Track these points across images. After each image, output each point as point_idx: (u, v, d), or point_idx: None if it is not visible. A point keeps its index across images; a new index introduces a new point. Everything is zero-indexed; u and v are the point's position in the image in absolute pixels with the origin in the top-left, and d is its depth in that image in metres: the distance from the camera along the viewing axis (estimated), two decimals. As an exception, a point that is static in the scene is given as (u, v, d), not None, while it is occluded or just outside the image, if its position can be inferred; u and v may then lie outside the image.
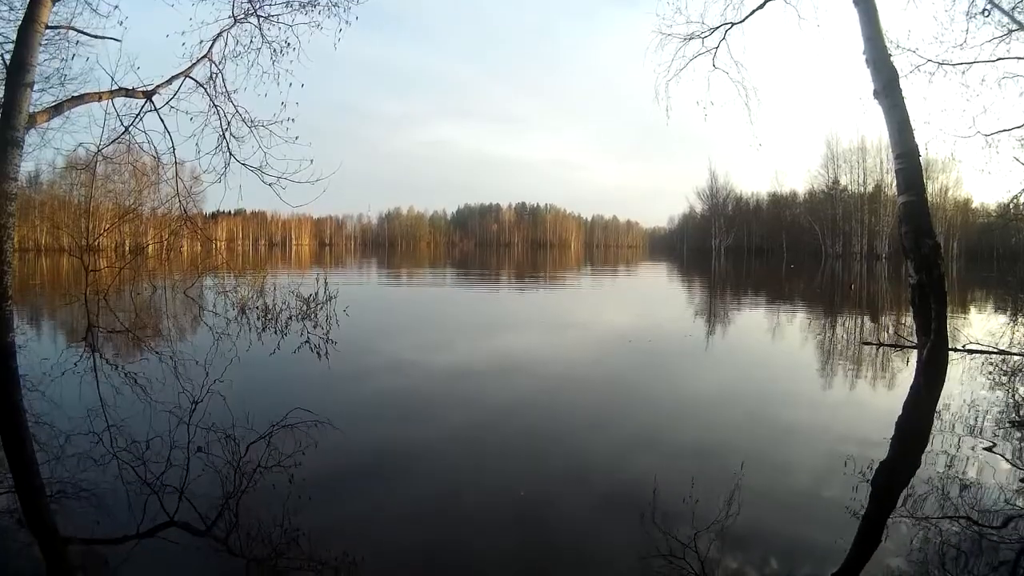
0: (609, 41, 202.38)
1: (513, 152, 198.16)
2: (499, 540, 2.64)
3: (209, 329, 8.37)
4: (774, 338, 9.23)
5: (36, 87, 6.87)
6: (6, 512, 2.81)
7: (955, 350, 6.67)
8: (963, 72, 8.43)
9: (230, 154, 8.54)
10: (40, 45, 6.69)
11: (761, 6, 8.62)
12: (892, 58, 6.80)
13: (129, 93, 8.10)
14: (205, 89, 8.57)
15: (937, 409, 4.79)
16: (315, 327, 8.46)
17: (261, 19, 8.52)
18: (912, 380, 5.87)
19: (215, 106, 8.54)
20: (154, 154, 8.74)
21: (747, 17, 8.83)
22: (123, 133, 8.36)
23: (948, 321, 6.30)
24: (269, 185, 8.35)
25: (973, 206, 58.29)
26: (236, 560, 2.42)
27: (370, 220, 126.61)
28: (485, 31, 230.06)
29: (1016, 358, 6.68)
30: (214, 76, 8.57)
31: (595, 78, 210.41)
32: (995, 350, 6.85)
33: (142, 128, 8.40)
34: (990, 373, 6.08)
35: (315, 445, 3.69)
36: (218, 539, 2.55)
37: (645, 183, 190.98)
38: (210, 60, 8.56)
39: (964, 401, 4.95)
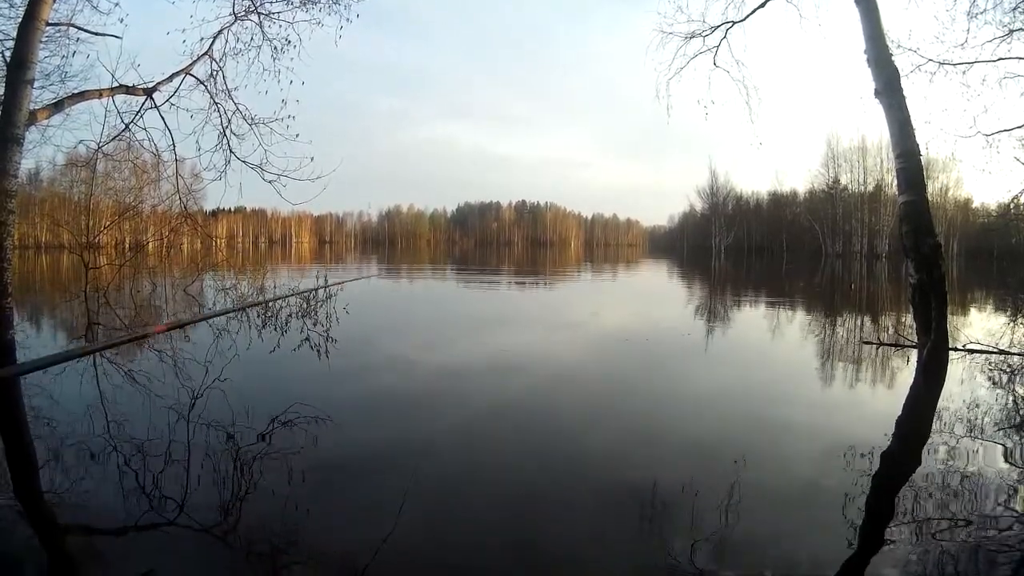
0: (610, 38, 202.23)
1: (513, 149, 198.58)
2: (498, 536, 2.64)
3: (209, 326, 8.37)
4: (774, 337, 9.23)
5: (36, 84, 6.87)
6: (6, 507, 2.81)
7: (955, 349, 6.67)
8: (964, 72, 8.44)
9: (230, 151, 8.57)
10: (40, 42, 6.69)
11: (762, 5, 8.62)
12: (893, 57, 6.79)
13: (129, 90, 8.12)
14: (206, 86, 8.59)
15: (937, 408, 4.79)
16: (315, 325, 8.46)
17: (262, 16, 8.54)
18: (912, 379, 5.87)
19: (215, 103, 8.57)
20: (154, 151, 8.79)
21: (748, 16, 8.84)
22: (123, 130, 8.40)
23: (948, 321, 6.31)
24: (269, 182, 8.41)
25: (974, 206, 58.36)
26: (236, 553, 2.43)
27: (370, 218, 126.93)
28: (486, 26, 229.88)
29: (1016, 358, 6.67)
30: (214, 73, 8.60)
31: (596, 76, 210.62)
32: (995, 350, 6.85)
33: (142, 125, 8.45)
34: (990, 373, 6.08)
35: (315, 441, 3.69)
36: (218, 533, 2.55)
37: (645, 181, 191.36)
38: (211, 57, 8.57)
39: (964, 401, 4.95)
